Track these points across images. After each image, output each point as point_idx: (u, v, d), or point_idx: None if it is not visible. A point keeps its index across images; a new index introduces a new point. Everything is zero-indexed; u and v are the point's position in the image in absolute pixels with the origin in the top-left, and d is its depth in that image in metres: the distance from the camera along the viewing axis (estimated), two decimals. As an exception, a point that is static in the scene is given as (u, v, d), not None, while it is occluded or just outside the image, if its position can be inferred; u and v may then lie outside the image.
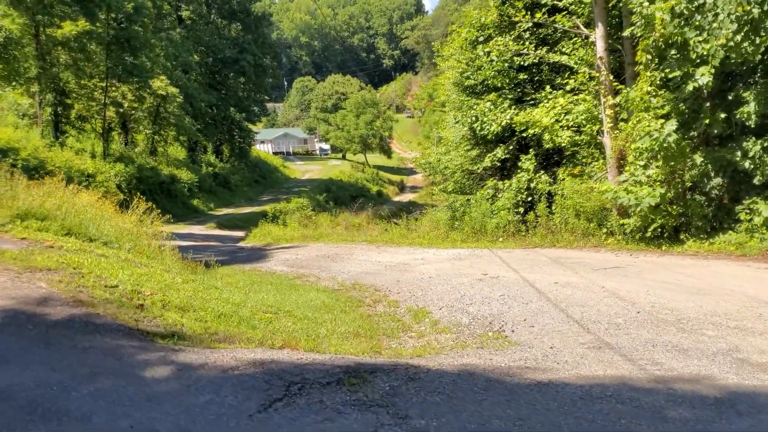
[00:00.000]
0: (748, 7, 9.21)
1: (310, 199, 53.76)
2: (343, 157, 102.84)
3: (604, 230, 14.85)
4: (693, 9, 9.84)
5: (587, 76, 16.98)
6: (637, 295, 9.03)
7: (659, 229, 13.48)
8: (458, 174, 22.91)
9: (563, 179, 17.74)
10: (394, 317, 9.08)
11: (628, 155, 14.32)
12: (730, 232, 12.82)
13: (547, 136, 17.34)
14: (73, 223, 9.22)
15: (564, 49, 18.36)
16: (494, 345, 6.89)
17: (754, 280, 9.68)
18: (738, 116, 11.90)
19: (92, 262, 7.61)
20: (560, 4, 17.31)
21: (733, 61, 11.25)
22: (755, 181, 12.08)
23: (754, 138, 12.14)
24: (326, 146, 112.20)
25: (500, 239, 16.92)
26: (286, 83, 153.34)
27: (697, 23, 9.89)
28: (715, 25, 9.58)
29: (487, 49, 20.10)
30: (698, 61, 12.14)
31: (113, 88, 39.81)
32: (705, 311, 7.89)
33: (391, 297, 10.58)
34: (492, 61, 20.01)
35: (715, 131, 12.48)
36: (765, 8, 9.15)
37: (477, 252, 14.98)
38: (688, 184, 13.19)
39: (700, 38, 10.03)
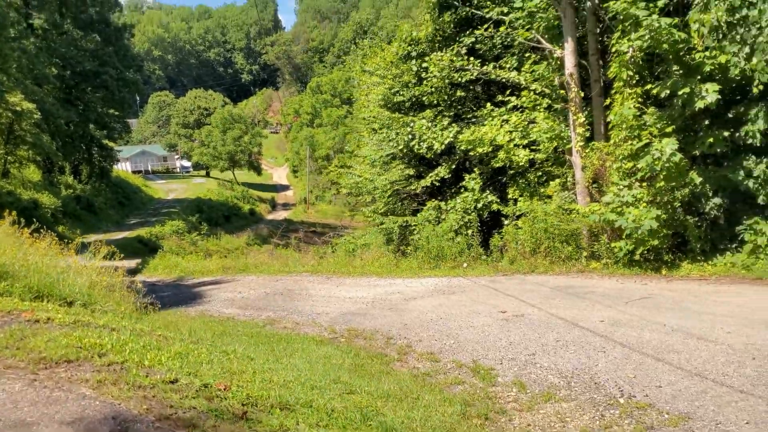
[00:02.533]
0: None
1: (184, 222, 50.32)
2: (207, 175, 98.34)
3: (585, 254, 14.17)
4: (735, 22, 9.28)
5: (540, 93, 16.40)
6: (716, 333, 8.17)
7: (646, 252, 12.96)
8: (388, 194, 21.61)
9: (516, 199, 17.08)
10: (455, 378, 7.59)
11: (610, 175, 13.73)
12: (728, 253, 12.53)
13: (502, 155, 16.55)
14: (41, 280, 6.88)
15: (508, 65, 17.73)
16: (661, 422, 5.64)
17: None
18: (744, 134, 11.61)
19: (111, 342, 5.49)
20: (508, 18, 16.53)
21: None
22: (759, 200, 11.84)
23: (754, 156, 11.91)
24: (188, 164, 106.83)
25: (465, 265, 15.82)
26: (138, 98, 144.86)
27: (738, 37, 9.33)
28: (761, 39, 9.04)
29: (424, 65, 19.08)
30: (699, 77, 11.79)
31: (-40, 104, 34.70)
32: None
33: (417, 348, 9.06)
34: (426, 78, 18.99)
35: (717, 150, 12.14)
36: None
37: (456, 282, 13.76)
38: (677, 204, 12.74)
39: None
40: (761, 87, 9.31)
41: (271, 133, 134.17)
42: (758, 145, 11.56)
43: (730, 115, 12.15)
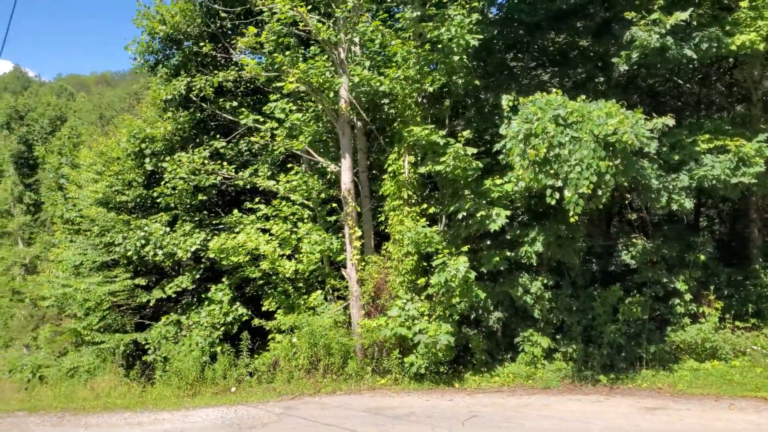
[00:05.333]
0: (609, 163, 10.25)
1: None
2: None
3: (369, 369, 13.97)
4: (550, 158, 10.43)
5: (300, 203, 16.29)
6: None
7: (431, 366, 13.32)
8: (105, 307, 18.68)
9: (272, 312, 16.32)
10: None
11: (393, 289, 13.98)
12: (505, 363, 13.56)
13: (265, 265, 15.73)
14: None
15: (261, 172, 17.24)
16: None
17: (628, 417, 10.25)
18: (522, 254, 12.94)
19: None
20: (264, 127, 16.14)
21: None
22: (535, 314, 13.16)
23: (527, 275, 13.31)
24: None
25: (233, 389, 14.33)
26: None
27: (552, 171, 10.49)
28: (572, 175, 10.30)
29: (164, 164, 17.45)
30: (484, 201, 12.94)
31: None
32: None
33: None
34: (167, 179, 17.31)
35: (501, 268, 13.27)
36: (618, 162, 10.38)
37: (246, 412, 12.24)
38: (456, 317, 13.41)
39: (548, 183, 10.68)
40: (576, 218, 10.55)
41: None
42: (534, 264, 13.03)
43: (508, 237, 13.52)
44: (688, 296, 12.93)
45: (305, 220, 16.30)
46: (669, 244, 13.38)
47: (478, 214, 12.47)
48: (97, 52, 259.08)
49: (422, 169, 13.20)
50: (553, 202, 10.74)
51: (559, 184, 10.60)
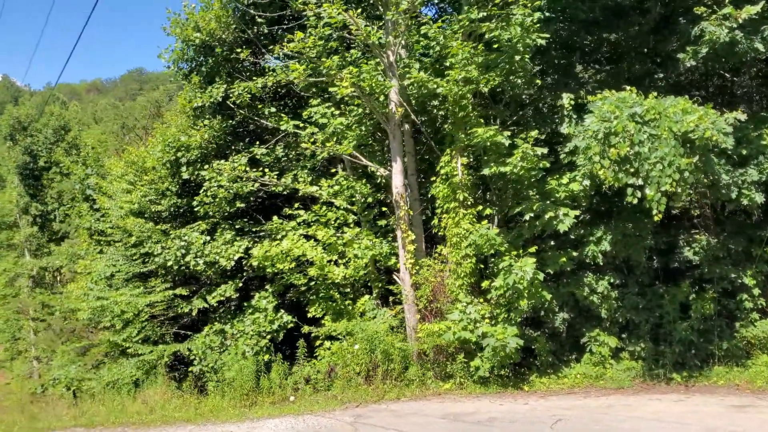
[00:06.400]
0: (690, 159, 10.16)
1: None
2: None
3: (430, 373, 13.82)
4: (631, 156, 10.31)
5: (344, 208, 16.13)
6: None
7: (496, 369, 13.19)
8: (144, 318, 18.41)
9: (318, 318, 16.16)
10: None
11: (451, 292, 13.82)
12: (572, 364, 13.44)
13: (313, 271, 15.55)
14: None
15: (300, 177, 16.99)
16: None
17: (721, 416, 10.11)
18: (588, 254, 12.82)
19: None
20: (304, 132, 15.84)
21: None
22: (602, 314, 13.04)
23: (591, 274, 13.20)
24: None
25: (292, 399, 14.15)
26: None
27: (632, 170, 10.37)
28: (654, 173, 10.19)
29: (202, 173, 17.19)
30: (548, 201, 12.81)
31: None
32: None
33: None
34: (207, 188, 17.01)
35: (568, 268, 13.15)
36: (696, 159, 10.29)
37: (316, 422, 12.04)
38: (518, 319, 13.24)
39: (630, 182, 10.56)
40: (659, 217, 10.45)
41: None
42: (601, 264, 12.93)
43: (572, 237, 13.38)
44: (756, 291, 12.86)
45: (350, 225, 16.12)
46: (735, 239, 13.29)
47: (546, 215, 12.35)
48: (83, 59, 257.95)
49: (486, 171, 13.00)
50: (635, 201, 10.61)
51: (640, 182, 10.49)
